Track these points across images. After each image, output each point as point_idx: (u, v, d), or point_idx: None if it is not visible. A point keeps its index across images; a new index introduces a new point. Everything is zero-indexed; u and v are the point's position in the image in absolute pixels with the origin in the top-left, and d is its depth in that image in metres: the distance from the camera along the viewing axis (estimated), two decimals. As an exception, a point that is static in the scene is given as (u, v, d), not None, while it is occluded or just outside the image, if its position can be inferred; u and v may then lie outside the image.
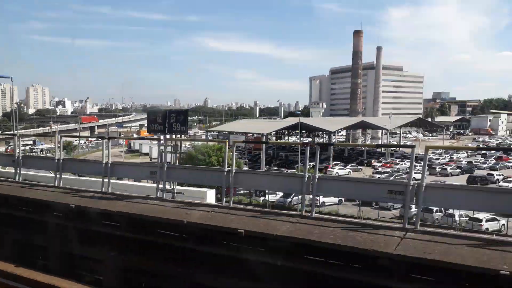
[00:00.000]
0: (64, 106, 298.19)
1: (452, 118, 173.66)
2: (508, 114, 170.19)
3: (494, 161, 68.10)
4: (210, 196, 24.85)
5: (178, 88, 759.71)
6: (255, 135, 60.06)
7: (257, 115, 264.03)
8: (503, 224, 30.02)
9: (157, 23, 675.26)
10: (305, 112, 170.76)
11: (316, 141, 67.07)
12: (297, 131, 63.19)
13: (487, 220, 29.97)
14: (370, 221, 12.63)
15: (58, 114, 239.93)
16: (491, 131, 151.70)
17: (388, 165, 63.49)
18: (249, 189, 31.82)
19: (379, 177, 41.91)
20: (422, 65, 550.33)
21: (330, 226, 7.81)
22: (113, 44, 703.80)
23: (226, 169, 9.32)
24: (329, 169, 56.67)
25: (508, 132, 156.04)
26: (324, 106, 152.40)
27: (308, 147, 9.66)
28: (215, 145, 36.81)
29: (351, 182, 9.74)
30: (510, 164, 67.08)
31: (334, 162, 62.20)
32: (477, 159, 70.43)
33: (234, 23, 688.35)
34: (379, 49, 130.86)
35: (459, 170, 58.27)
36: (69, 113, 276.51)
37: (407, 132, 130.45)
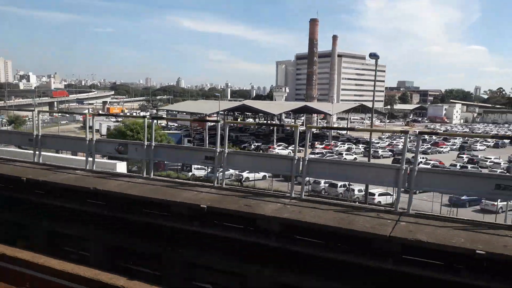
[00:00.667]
0: (28, 81, 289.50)
1: (411, 106, 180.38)
2: (463, 104, 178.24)
3: (431, 146, 73.10)
4: (120, 167, 27.45)
5: (150, 67, 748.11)
6: (200, 115, 62.26)
7: (229, 97, 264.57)
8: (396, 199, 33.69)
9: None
10: (271, 96, 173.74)
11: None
12: (238, 112, 65.65)
13: (379, 195, 33.71)
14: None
15: (21, 88, 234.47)
16: (445, 119, 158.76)
17: (328, 147, 67.20)
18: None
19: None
20: (395, 55, 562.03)
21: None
22: (79, 18, 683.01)
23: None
24: (270, 149, 59.92)
25: (462, 120, 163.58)
26: (287, 90, 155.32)
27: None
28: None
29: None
30: (442, 150, 72.22)
31: (278, 143, 65.35)
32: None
33: (208, 2, 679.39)
34: (334, 37, 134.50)
35: (390, 153, 62.53)
36: (33, 87, 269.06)
37: (361, 118, 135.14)
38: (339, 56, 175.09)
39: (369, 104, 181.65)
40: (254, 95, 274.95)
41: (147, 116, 11.68)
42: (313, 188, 37.24)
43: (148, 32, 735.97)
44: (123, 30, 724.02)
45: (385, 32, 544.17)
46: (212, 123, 55.07)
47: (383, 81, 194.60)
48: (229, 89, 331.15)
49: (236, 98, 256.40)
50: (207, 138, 54.66)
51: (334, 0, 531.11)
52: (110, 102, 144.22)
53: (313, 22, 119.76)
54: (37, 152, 12.05)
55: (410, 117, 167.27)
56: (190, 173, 40.39)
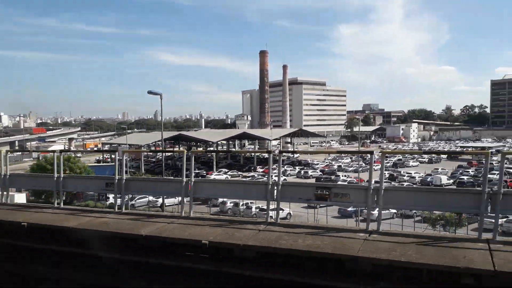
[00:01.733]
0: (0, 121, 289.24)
1: (371, 127, 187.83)
2: (419, 124, 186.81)
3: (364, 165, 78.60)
4: (19, 198, 31.11)
5: (128, 102, 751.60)
6: (136, 146, 66.32)
7: (203, 126, 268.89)
8: (289, 213, 37.66)
9: (107, 36, 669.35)
10: (234, 124, 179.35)
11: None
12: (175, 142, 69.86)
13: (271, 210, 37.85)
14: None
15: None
16: (403, 139, 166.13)
17: (267, 170, 71.58)
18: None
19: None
20: (369, 78, 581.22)
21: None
22: (60, 57, 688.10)
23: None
24: (208, 174, 63.98)
25: (419, 139, 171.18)
26: (249, 118, 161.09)
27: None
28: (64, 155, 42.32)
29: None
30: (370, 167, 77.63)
31: (219, 169, 69.55)
32: (350, 163, 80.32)
33: (187, 37, 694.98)
34: (284, 67, 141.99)
35: (320, 173, 67.52)
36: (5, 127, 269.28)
37: (320, 142, 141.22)
38: (299, 83, 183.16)
39: (331, 128, 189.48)
40: (229, 123, 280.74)
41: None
42: (221, 209, 40.93)
43: (128, 68, 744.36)
44: (101, 67, 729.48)
45: (361, 57, 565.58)
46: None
47: (344, 105, 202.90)
48: (203, 119, 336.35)
49: (210, 127, 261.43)
50: (143, 167, 58.46)
51: (309, 28, 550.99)
52: (75, 138, 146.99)
53: (262, 54, 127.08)
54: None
55: (372, 138, 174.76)
56: (108, 202, 43.01)
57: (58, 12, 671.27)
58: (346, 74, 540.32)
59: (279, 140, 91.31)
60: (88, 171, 40.82)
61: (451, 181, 58.83)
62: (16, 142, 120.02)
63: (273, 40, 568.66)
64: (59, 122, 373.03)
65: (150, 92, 30.16)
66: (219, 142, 74.38)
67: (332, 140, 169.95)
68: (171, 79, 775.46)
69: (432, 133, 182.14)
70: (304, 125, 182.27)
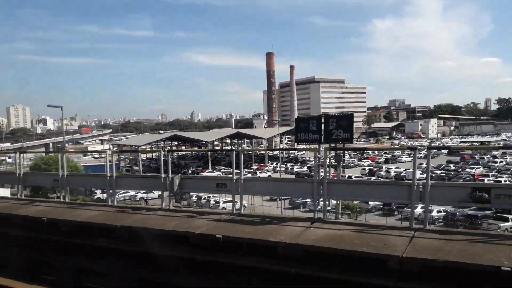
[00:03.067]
0: (45, 124, 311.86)
1: (389, 124, 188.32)
2: (439, 119, 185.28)
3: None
4: (3, 192, 38.25)
5: (167, 104, 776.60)
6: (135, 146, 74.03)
7: (233, 126, 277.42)
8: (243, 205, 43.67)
9: (145, 39, 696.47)
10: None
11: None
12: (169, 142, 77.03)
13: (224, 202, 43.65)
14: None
15: (39, 132, 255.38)
16: (421, 135, 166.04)
17: (261, 166, 77.47)
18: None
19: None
20: (407, 73, 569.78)
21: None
22: (102, 62, 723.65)
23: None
24: (202, 172, 70.76)
25: (439, 134, 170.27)
26: (266, 117, 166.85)
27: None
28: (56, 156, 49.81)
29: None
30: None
31: (214, 167, 76.16)
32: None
33: (221, 37, 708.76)
34: (292, 68, 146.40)
35: (307, 169, 72.58)
36: (52, 130, 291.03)
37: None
38: (317, 82, 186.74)
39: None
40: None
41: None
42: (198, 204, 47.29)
43: (165, 70, 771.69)
44: (141, 70, 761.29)
45: (395, 51, 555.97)
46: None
47: (364, 102, 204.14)
48: (232, 119, 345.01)
49: (240, 126, 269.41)
50: (141, 166, 66.04)
51: (343, 23, 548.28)
52: (106, 140, 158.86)
53: (269, 56, 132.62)
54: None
55: (393, 134, 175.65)
56: (95, 196, 46.13)
57: (98, 18, 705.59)
58: (379, 69, 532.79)
59: (288, 137, 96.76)
60: (79, 170, 48.14)
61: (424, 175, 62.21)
62: (50, 144, 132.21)
63: (304, 36, 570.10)
64: (102, 124, 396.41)
65: (50, 106, 36.66)
66: (215, 142, 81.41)
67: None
68: (207, 80, 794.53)
69: (452, 128, 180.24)
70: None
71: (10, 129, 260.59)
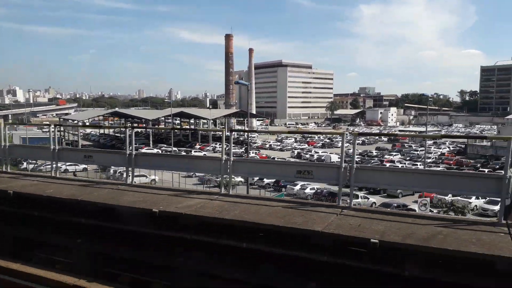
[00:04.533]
0: (14, 95, 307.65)
1: (351, 111, 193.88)
2: (399, 108, 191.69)
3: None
4: None
5: (147, 80, 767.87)
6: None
7: (208, 105, 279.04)
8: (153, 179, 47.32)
9: (126, 12, 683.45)
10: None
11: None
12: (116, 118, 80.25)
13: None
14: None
15: (6, 102, 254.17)
16: (380, 122, 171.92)
17: (202, 147, 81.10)
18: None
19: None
20: (391, 60, 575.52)
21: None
22: (80, 32, 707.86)
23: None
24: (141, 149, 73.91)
25: (398, 123, 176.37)
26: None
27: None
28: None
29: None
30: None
31: (159, 145, 79.44)
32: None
33: (205, 15, 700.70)
34: (250, 50, 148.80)
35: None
36: (21, 102, 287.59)
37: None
38: (285, 66, 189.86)
39: (316, 111, 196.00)
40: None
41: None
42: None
43: (147, 44, 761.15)
44: (122, 43, 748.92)
45: (380, 38, 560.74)
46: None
47: (331, 88, 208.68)
48: (207, 99, 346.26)
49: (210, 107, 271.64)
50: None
51: (330, 7, 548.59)
52: (68, 114, 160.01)
53: (227, 37, 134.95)
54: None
55: (357, 121, 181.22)
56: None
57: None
58: (362, 56, 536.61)
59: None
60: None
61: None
62: (10, 116, 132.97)
63: (290, 18, 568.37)
64: (77, 97, 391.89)
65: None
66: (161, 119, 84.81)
67: (311, 123, 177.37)
68: (189, 57, 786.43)
69: (411, 117, 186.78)
70: (289, 107, 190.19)
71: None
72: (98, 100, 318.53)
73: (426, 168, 44.29)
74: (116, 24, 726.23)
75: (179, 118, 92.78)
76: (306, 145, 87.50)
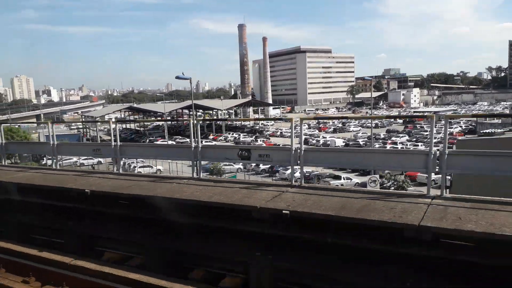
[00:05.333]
0: (49, 95, 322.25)
1: (375, 94, 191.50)
2: (422, 88, 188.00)
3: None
4: None
5: (174, 73, 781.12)
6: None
7: (231, 95, 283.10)
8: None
9: (153, 6, 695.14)
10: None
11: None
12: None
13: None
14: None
15: (43, 102, 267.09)
16: (403, 104, 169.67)
17: (215, 137, 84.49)
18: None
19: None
20: (421, 39, 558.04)
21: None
22: (107, 30, 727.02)
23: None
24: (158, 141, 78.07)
25: (421, 104, 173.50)
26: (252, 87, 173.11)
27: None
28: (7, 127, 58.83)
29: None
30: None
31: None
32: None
33: (229, 5, 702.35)
34: (264, 39, 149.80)
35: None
36: (55, 101, 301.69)
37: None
38: (303, 51, 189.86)
39: (338, 95, 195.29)
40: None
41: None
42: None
43: (173, 38, 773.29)
44: (149, 38, 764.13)
45: (410, 18, 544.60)
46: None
47: (353, 71, 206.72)
48: (232, 89, 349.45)
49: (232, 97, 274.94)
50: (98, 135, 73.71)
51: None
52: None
53: (241, 28, 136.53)
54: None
55: (380, 104, 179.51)
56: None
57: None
58: (390, 36, 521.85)
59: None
60: (28, 139, 56.27)
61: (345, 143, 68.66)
62: (42, 115, 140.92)
63: (315, 4, 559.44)
64: (109, 94, 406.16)
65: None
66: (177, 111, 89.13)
67: (332, 108, 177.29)
68: (214, 48, 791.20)
69: (435, 97, 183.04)
70: (309, 93, 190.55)
71: (10, 100, 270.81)
72: (127, 96, 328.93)
73: (373, 147, 45.51)
74: (143, 19, 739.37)
75: (201, 110, 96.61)
76: (317, 131, 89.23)
